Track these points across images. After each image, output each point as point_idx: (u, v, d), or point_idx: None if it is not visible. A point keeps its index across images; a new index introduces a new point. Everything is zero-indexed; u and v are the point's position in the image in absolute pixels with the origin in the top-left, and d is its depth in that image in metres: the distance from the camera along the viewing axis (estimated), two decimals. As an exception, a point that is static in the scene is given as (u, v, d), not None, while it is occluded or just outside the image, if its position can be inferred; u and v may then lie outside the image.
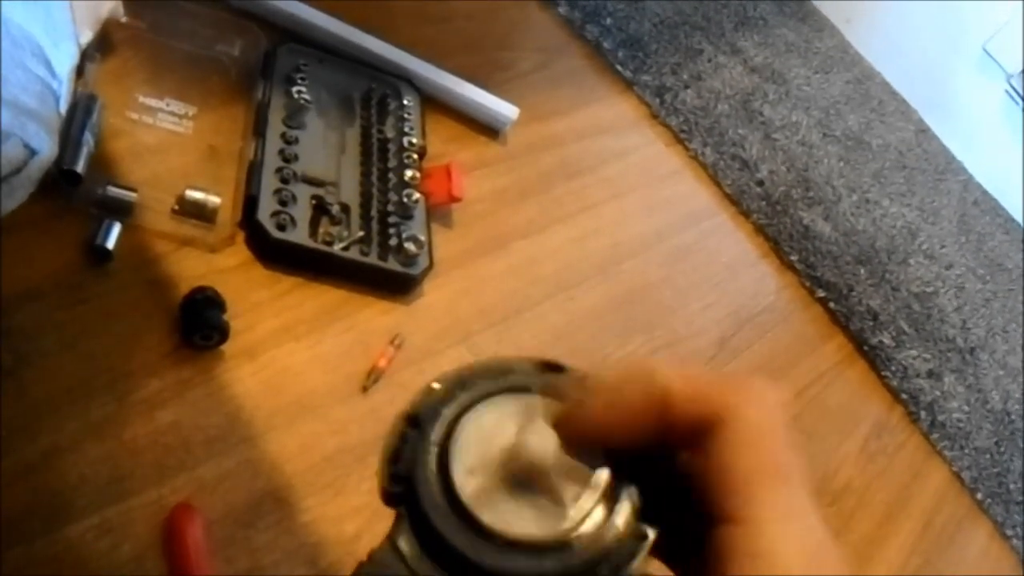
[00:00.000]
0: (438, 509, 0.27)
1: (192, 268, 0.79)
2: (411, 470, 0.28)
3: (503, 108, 1.11)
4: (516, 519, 0.27)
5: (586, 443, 0.28)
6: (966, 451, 1.27)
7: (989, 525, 1.23)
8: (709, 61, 1.53)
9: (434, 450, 0.28)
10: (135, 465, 0.66)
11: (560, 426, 0.28)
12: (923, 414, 1.26)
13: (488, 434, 0.29)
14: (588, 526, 0.27)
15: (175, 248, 0.79)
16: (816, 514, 0.26)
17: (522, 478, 0.28)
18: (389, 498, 0.28)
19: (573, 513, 0.28)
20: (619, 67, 1.36)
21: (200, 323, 0.74)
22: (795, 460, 0.27)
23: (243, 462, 0.70)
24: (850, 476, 1.12)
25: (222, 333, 0.74)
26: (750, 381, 0.28)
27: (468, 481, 0.27)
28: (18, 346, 0.68)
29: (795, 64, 1.71)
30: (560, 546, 0.27)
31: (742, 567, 0.25)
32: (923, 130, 1.87)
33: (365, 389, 0.80)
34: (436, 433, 0.29)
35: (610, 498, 0.28)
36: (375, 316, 0.85)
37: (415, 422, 0.29)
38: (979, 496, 1.24)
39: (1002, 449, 1.32)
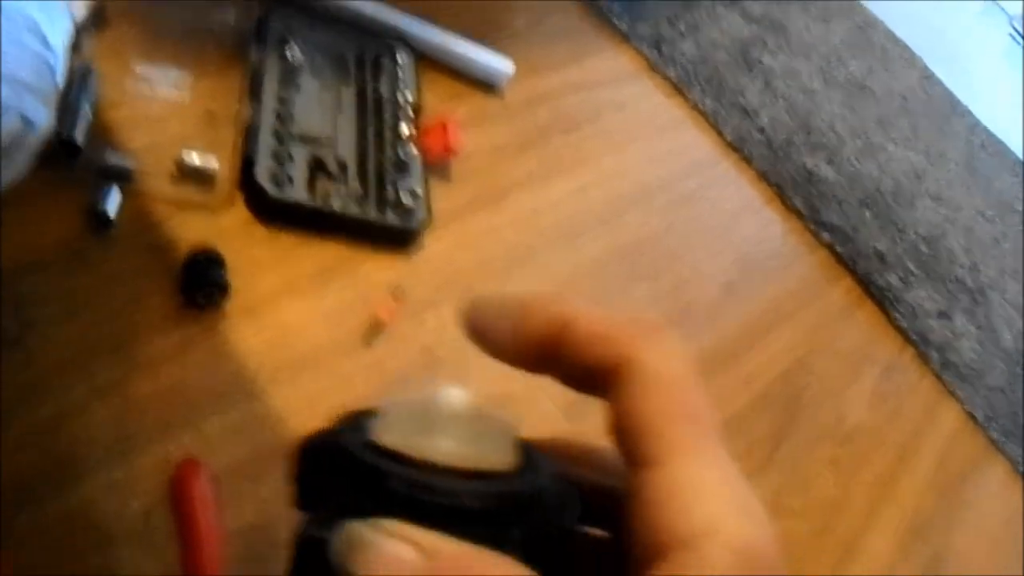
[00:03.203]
0: (368, 455, 0.25)
1: (193, 231, 0.79)
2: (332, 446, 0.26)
3: (498, 63, 1.10)
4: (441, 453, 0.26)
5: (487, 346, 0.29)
6: (979, 390, 1.26)
7: (1005, 464, 1.23)
8: (706, 11, 1.52)
9: (353, 434, 0.26)
10: (141, 424, 0.67)
11: (466, 313, 0.29)
12: (934, 354, 1.26)
13: (408, 407, 0.27)
14: (517, 467, 0.26)
15: (175, 212, 0.79)
16: (727, 452, 0.26)
17: (442, 425, 0.26)
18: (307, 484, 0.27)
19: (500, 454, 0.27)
20: (615, 20, 1.35)
21: (202, 282, 0.74)
22: (704, 403, 0.27)
23: (248, 417, 0.71)
24: (861, 418, 1.12)
25: (223, 291, 0.75)
26: (655, 327, 0.28)
27: (391, 437, 0.26)
28: (24, 314, 0.68)
29: (795, 13, 1.69)
30: (496, 475, 0.26)
31: (665, 504, 0.25)
32: (927, 76, 1.86)
33: (368, 342, 0.81)
34: (355, 425, 0.27)
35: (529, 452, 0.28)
36: (375, 271, 0.86)
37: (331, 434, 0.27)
38: (993, 435, 1.23)
39: (1015, 387, 1.31)
